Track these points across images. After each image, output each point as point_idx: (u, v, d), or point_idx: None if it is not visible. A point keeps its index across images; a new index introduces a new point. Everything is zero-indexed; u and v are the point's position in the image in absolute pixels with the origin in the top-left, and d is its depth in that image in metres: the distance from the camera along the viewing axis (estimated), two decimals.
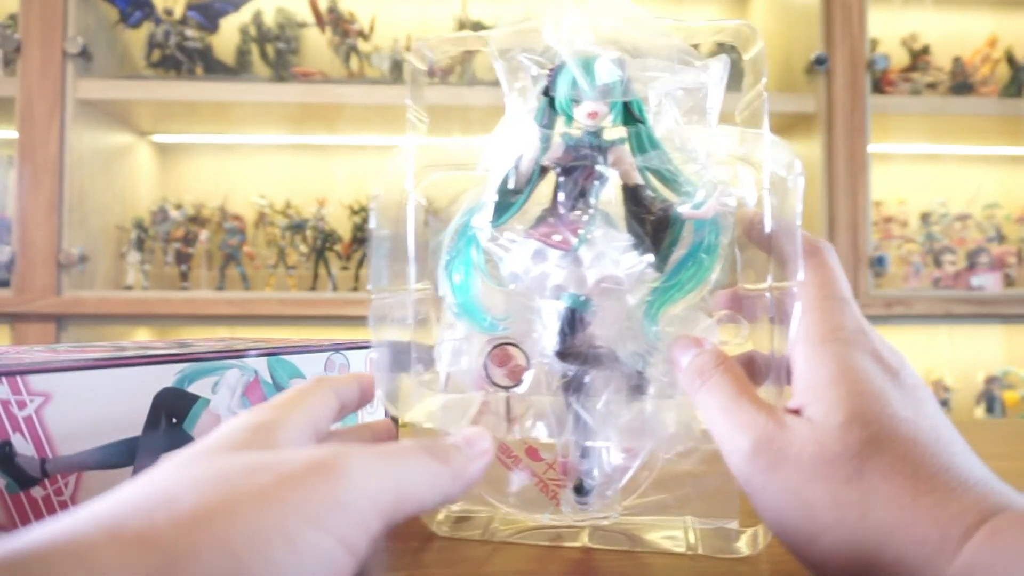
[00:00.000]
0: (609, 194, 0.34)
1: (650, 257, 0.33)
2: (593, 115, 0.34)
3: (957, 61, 1.69)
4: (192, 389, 0.38)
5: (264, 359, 0.41)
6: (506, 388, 0.35)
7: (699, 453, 0.35)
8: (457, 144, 0.38)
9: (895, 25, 1.73)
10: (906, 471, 0.26)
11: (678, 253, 0.34)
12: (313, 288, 1.58)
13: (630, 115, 0.34)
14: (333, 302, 1.47)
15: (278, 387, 0.42)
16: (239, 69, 1.60)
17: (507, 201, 0.35)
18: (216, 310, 1.42)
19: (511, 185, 0.35)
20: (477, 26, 1.62)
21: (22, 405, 0.33)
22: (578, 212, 0.33)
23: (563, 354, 0.34)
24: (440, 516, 0.40)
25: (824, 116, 1.53)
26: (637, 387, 0.34)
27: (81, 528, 0.20)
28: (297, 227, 1.61)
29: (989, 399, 1.69)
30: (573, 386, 0.34)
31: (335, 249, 1.61)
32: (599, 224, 0.33)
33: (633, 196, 0.34)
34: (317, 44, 1.64)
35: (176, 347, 0.42)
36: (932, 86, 1.65)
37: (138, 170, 1.69)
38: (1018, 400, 1.66)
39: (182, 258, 1.58)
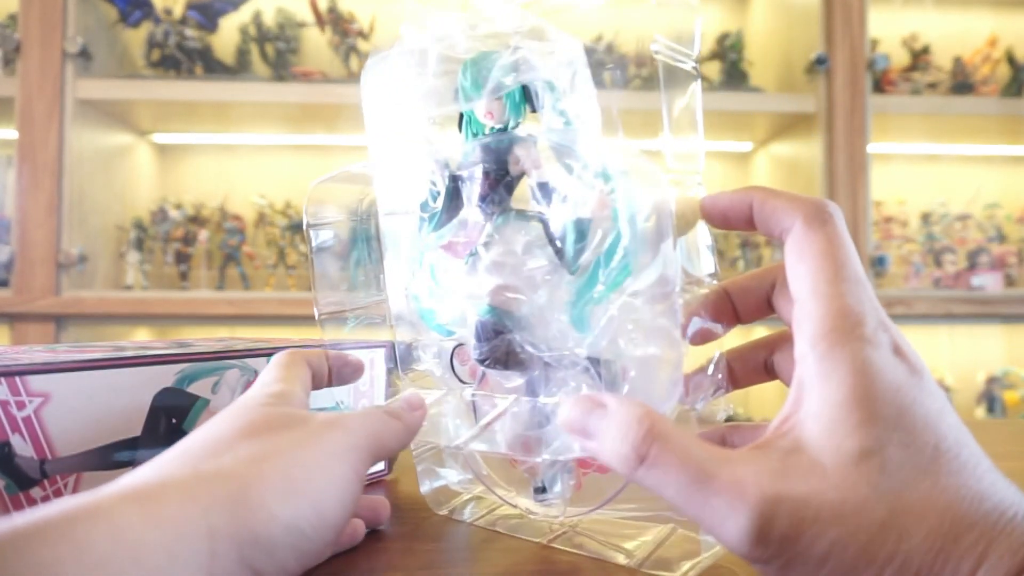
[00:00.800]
0: (514, 194, 0.34)
1: (554, 261, 0.31)
2: (489, 115, 0.33)
3: (957, 61, 1.69)
4: (192, 389, 0.38)
5: (264, 359, 0.41)
6: (469, 383, 0.38)
7: None
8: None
9: (895, 25, 1.73)
10: (940, 506, 0.22)
11: (591, 255, 0.31)
12: (312, 288, 1.58)
13: (530, 104, 0.32)
14: None
15: None
16: (239, 69, 1.60)
17: (430, 214, 0.36)
18: (216, 310, 1.41)
19: (428, 200, 0.36)
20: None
21: (21, 406, 0.33)
22: (477, 219, 0.33)
23: (483, 361, 0.34)
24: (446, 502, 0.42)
25: (824, 116, 1.53)
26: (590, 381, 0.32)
27: (167, 468, 0.27)
28: (297, 227, 1.61)
29: (990, 399, 1.69)
30: (526, 389, 0.34)
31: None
32: (507, 226, 0.33)
33: (544, 194, 0.32)
34: (317, 44, 1.64)
35: (176, 347, 0.42)
36: (932, 86, 1.65)
37: (138, 170, 1.69)
38: (1019, 400, 1.66)
39: (182, 258, 1.58)
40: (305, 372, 0.37)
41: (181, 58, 1.54)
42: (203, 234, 1.59)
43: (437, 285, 0.37)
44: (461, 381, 0.38)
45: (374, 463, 0.32)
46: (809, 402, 0.25)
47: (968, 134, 1.75)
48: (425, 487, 0.43)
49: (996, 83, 1.69)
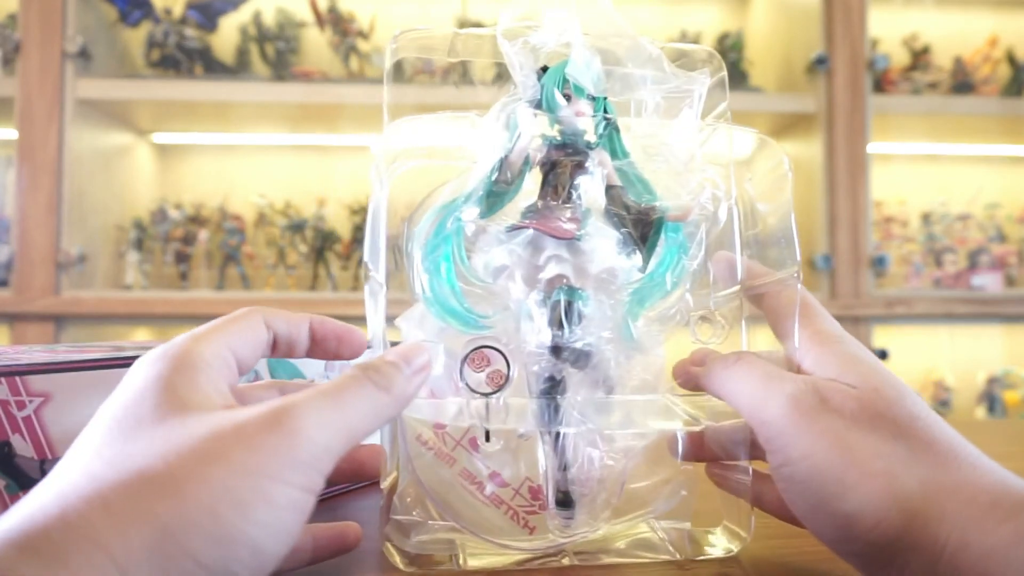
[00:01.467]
0: (593, 193, 0.34)
1: (637, 257, 0.34)
2: (581, 113, 0.34)
3: (958, 61, 1.69)
4: None
5: (264, 359, 0.41)
6: (484, 395, 0.33)
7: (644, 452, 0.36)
8: (434, 135, 0.37)
9: (896, 25, 1.73)
10: (943, 443, 0.27)
11: (657, 255, 0.34)
12: (313, 288, 1.58)
13: (606, 120, 0.35)
14: (333, 302, 1.47)
15: None
16: (239, 69, 1.60)
17: (496, 192, 0.34)
18: (216, 310, 1.40)
19: (499, 177, 0.34)
20: (477, 26, 1.62)
21: (21, 406, 0.33)
22: (570, 206, 0.33)
23: (557, 349, 0.32)
24: (399, 555, 0.35)
25: (824, 116, 1.53)
26: (607, 389, 0.34)
27: (74, 505, 0.21)
28: (297, 227, 1.61)
29: (990, 399, 1.69)
30: (558, 388, 0.33)
31: (335, 249, 1.61)
32: (594, 220, 0.33)
33: (615, 197, 0.34)
34: (317, 44, 1.64)
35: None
36: (933, 86, 1.65)
37: (137, 170, 1.68)
38: (1019, 400, 1.66)
39: (182, 258, 1.58)
40: (241, 329, 0.30)
41: (181, 58, 1.54)
42: (203, 234, 1.59)
43: (474, 272, 0.34)
44: (472, 391, 0.33)
45: (344, 451, 0.25)
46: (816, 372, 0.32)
47: (968, 134, 1.75)
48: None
49: (996, 83, 1.68)
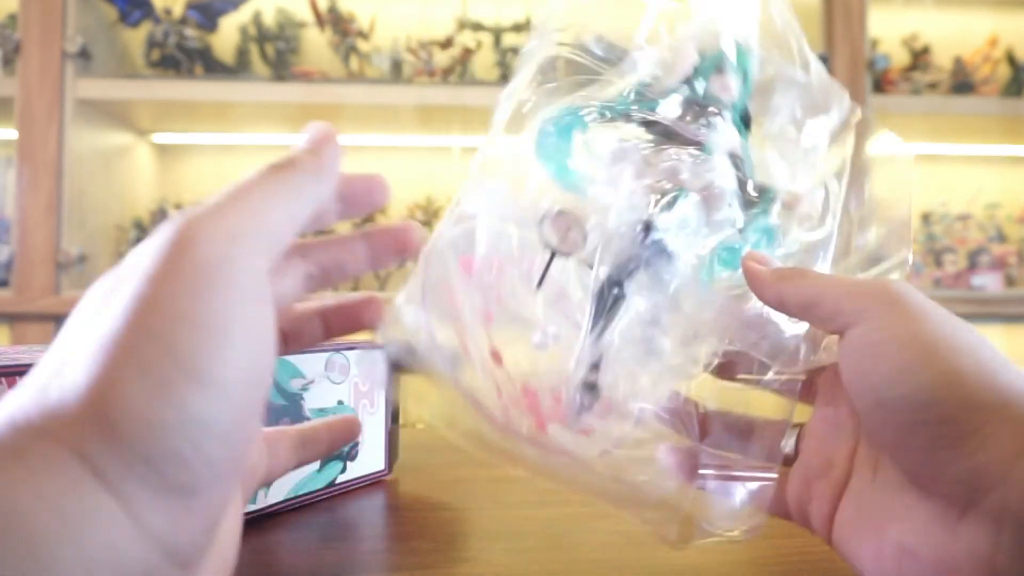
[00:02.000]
0: (723, 140, 0.34)
1: (741, 214, 0.33)
2: (728, 88, 0.34)
3: (958, 61, 1.69)
4: None
5: None
6: (556, 252, 0.31)
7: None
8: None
9: (896, 25, 1.73)
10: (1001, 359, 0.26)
11: (755, 233, 0.34)
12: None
13: (743, 119, 0.35)
14: None
15: (279, 388, 0.42)
16: (239, 69, 1.60)
17: (641, 94, 0.34)
18: None
19: (648, 89, 0.34)
20: (477, 26, 1.62)
21: None
22: (704, 131, 0.33)
23: (648, 227, 0.31)
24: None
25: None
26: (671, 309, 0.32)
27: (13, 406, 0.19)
28: None
29: None
30: (617, 289, 0.31)
31: None
32: (720, 148, 0.33)
33: (736, 163, 0.34)
34: (317, 44, 1.64)
35: None
36: (933, 86, 1.65)
37: (137, 170, 1.68)
38: None
39: None
40: (271, 204, 0.24)
41: (181, 58, 1.54)
42: None
43: (587, 145, 0.33)
44: (547, 244, 0.31)
45: (278, 253, 0.23)
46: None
47: (968, 134, 1.75)
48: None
49: (996, 83, 1.68)
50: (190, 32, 1.55)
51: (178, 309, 0.19)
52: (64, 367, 0.19)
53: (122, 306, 0.19)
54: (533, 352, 0.31)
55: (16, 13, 1.41)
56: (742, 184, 0.34)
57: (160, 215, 1.60)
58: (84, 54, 1.42)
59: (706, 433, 0.34)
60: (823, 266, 0.35)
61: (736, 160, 0.34)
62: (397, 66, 1.58)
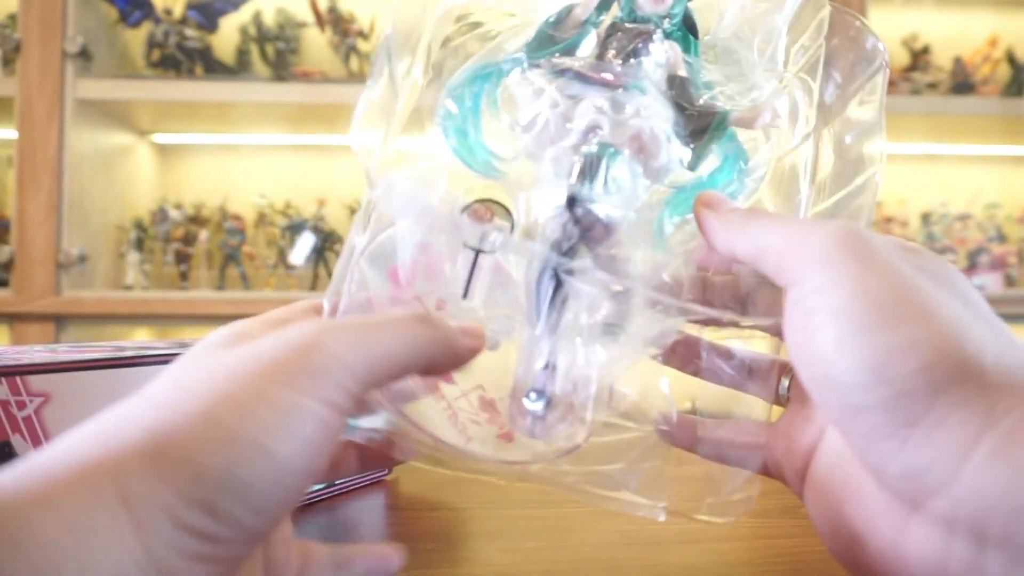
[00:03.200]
0: (654, 68, 0.30)
1: (687, 150, 0.29)
2: (659, 0, 0.31)
3: (958, 61, 1.69)
4: None
5: None
6: (477, 250, 0.29)
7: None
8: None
9: (896, 25, 1.73)
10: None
11: (711, 161, 0.30)
12: (313, 288, 1.58)
13: (687, 24, 0.32)
14: None
15: None
16: (239, 69, 1.60)
17: (550, 36, 0.30)
18: (216, 310, 1.41)
19: (558, 29, 0.31)
20: (476, 26, 1.62)
21: (21, 406, 0.33)
22: (624, 65, 0.29)
23: (573, 201, 0.27)
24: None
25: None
26: (623, 294, 0.28)
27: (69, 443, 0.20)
28: (297, 227, 1.61)
29: None
30: (555, 278, 0.28)
31: (335, 249, 1.61)
32: (648, 85, 0.29)
33: (677, 86, 0.30)
34: (317, 44, 1.64)
35: (176, 347, 0.42)
36: (933, 86, 1.65)
37: (138, 170, 1.68)
38: None
39: (182, 258, 1.58)
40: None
41: (181, 58, 1.54)
42: (203, 234, 1.59)
43: (499, 113, 0.30)
44: (467, 246, 0.29)
45: (371, 383, 0.23)
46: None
47: (968, 134, 1.75)
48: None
49: (996, 83, 1.68)
50: (190, 32, 1.55)
51: (266, 398, 0.21)
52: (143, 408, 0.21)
53: (221, 371, 0.22)
54: (483, 358, 0.28)
55: (16, 13, 1.41)
56: (684, 111, 0.30)
57: (160, 215, 1.60)
58: (84, 54, 1.42)
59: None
60: (805, 183, 0.31)
61: (677, 82, 0.30)
62: None
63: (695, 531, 0.39)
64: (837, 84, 0.32)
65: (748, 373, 0.31)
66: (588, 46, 0.31)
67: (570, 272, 0.28)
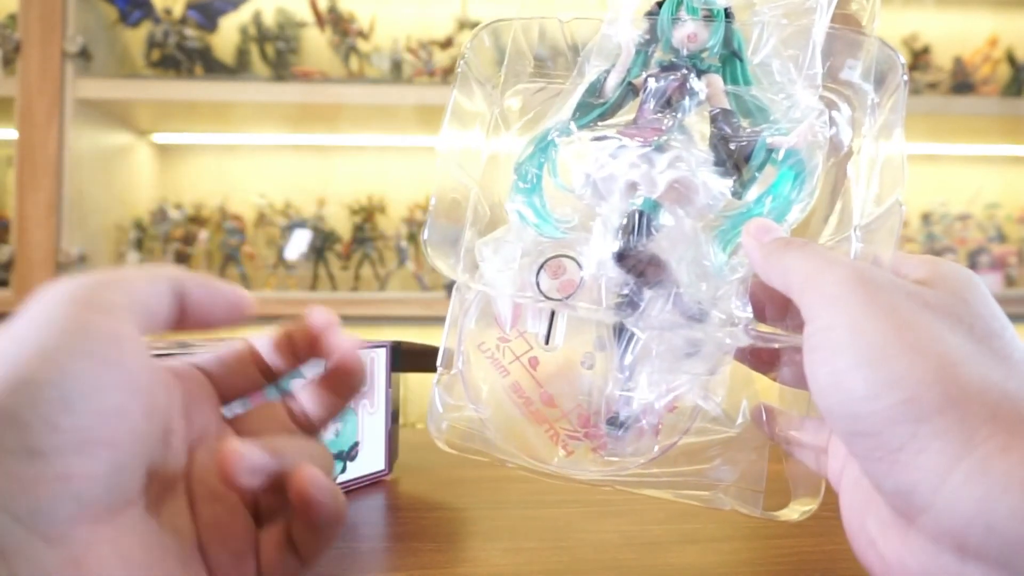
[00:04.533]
0: (696, 117, 0.33)
1: (729, 180, 0.32)
2: (693, 37, 0.33)
3: (958, 61, 1.69)
4: None
5: None
6: (556, 300, 0.34)
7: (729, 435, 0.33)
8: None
9: (895, 25, 1.73)
10: (1020, 363, 0.25)
11: (760, 188, 0.32)
12: (313, 288, 1.58)
13: (729, 50, 0.34)
14: (333, 302, 1.47)
15: (279, 388, 0.41)
16: (239, 69, 1.60)
17: (590, 103, 0.34)
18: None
19: (597, 94, 0.34)
20: (477, 26, 1.62)
21: None
22: (662, 117, 0.33)
23: (622, 256, 0.32)
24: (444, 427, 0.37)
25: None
26: (694, 317, 0.32)
27: None
28: (297, 227, 1.61)
29: None
30: (627, 305, 0.32)
31: (335, 249, 1.61)
32: (682, 134, 0.32)
33: (719, 120, 0.33)
34: (317, 44, 1.64)
35: (176, 347, 0.42)
36: (932, 86, 1.65)
37: (137, 170, 1.68)
38: None
39: (182, 258, 1.58)
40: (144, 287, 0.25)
41: (181, 58, 1.54)
42: (203, 234, 1.59)
43: (557, 180, 0.35)
44: (545, 297, 0.34)
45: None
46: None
47: (968, 134, 1.75)
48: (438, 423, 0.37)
49: (996, 83, 1.68)
50: (190, 32, 1.55)
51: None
52: None
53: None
54: (585, 379, 0.34)
55: (16, 13, 1.41)
56: (729, 142, 0.32)
57: (160, 215, 1.60)
58: (84, 54, 1.42)
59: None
60: (860, 191, 0.32)
61: (720, 117, 0.33)
62: (397, 66, 1.58)
63: (695, 531, 0.39)
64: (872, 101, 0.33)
65: None
66: (628, 103, 0.34)
67: (626, 323, 0.32)
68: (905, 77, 0.31)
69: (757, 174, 0.32)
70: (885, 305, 0.25)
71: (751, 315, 0.31)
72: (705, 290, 0.32)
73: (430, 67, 1.57)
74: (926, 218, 1.75)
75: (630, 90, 0.34)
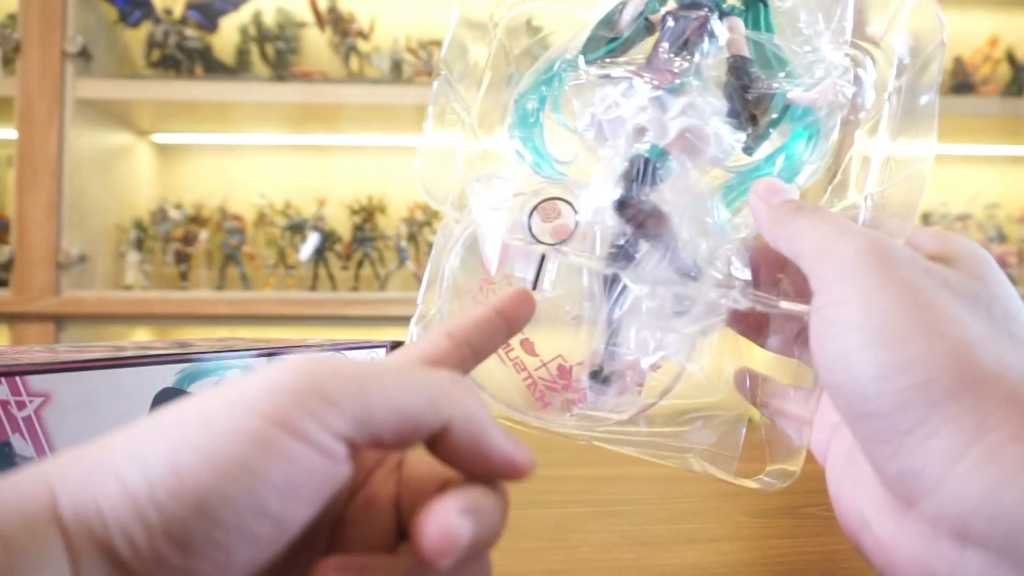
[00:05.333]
0: (713, 60, 0.31)
1: (742, 134, 0.30)
2: None
3: (958, 61, 1.69)
4: (192, 389, 0.38)
5: (264, 359, 0.41)
6: (548, 245, 0.32)
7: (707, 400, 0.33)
8: None
9: None
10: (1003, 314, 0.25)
11: (774, 143, 0.31)
12: (313, 288, 1.58)
13: None
14: (333, 302, 1.47)
15: None
16: (239, 69, 1.60)
17: (602, 37, 0.32)
18: (216, 310, 1.41)
19: (611, 28, 0.32)
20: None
21: (21, 406, 0.33)
22: (678, 59, 0.30)
23: (623, 204, 0.30)
24: None
25: None
26: (689, 275, 0.30)
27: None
28: (297, 227, 1.61)
29: None
30: (621, 257, 0.30)
31: (335, 249, 1.61)
32: (698, 79, 0.30)
33: (738, 69, 0.31)
34: (317, 44, 1.64)
35: (176, 347, 0.42)
36: None
37: (137, 170, 1.68)
38: None
39: (182, 258, 1.58)
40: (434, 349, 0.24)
41: (181, 58, 1.54)
42: (203, 234, 1.59)
43: (560, 117, 0.32)
44: (537, 240, 0.32)
45: (380, 432, 0.19)
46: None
47: (968, 134, 1.75)
48: None
49: (996, 83, 1.68)
50: (190, 32, 1.55)
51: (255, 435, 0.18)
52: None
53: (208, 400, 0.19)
54: (565, 331, 0.33)
55: (16, 13, 1.41)
56: (745, 93, 0.30)
57: (160, 215, 1.60)
58: (84, 54, 1.42)
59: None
60: (880, 146, 0.31)
61: (738, 64, 0.30)
62: (397, 66, 1.58)
63: (695, 531, 0.39)
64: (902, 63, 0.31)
65: (803, 344, 0.31)
66: (643, 40, 0.32)
67: (620, 274, 0.30)
68: (945, 38, 0.30)
69: (772, 130, 0.30)
70: (902, 282, 0.24)
71: (750, 277, 0.30)
72: (704, 248, 0.30)
73: (430, 67, 1.57)
74: (926, 218, 1.75)
75: (646, 26, 0.32)
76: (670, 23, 0.31)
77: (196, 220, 1.62)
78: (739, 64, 0.30)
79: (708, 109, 0.29)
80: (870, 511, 0.25)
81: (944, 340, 0.22)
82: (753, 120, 0.30)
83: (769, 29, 0.31)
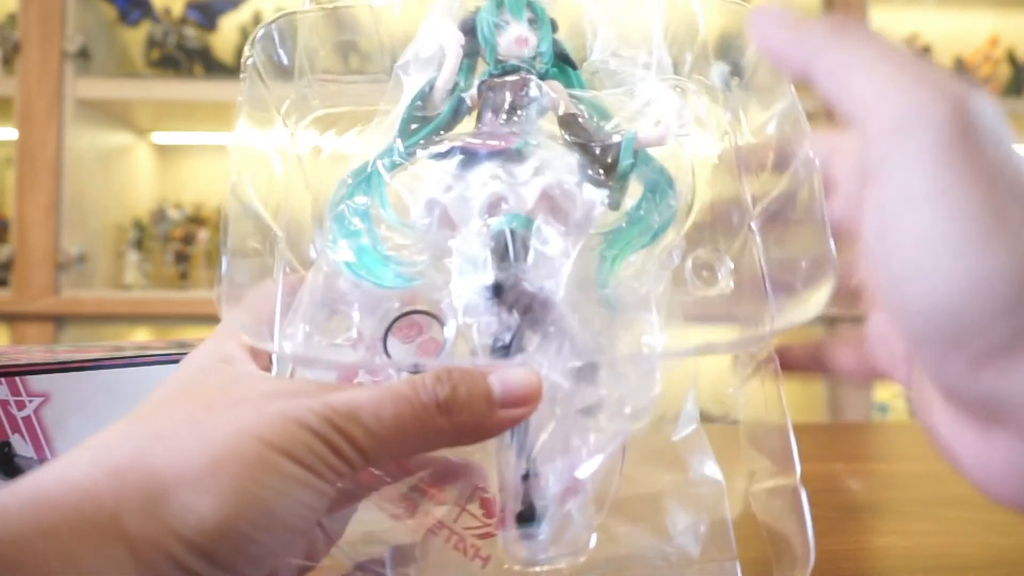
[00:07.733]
0: (543, 121, 0.28)
1: (604, 189, 0.27)
2: (521, 42, 0.28)
3: (958, 61, 1.69)
4: None
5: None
6: (414, 370, 0.25)
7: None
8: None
9: (896, 25, 1.73)
10: None
11: (634, 194, 0.28)
12: None
13: (560, 57, 0.30)
14: None
15: None
16: (239, 68, 1.60)
17: (419, 117, 0.28)
18: (215, 310, 1.41)
19: (425, 105, 0.28)
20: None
21: (21, 406, 0.33)
22: (512, 123, 0.27)
23: (499, 289, 0.24)
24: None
25: (824, 115, 1.52)
26: (590, 367, 0.25)
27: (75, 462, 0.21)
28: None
29: None
30: (513, 354, 0.25)
31: None
32: (539, 138, 0.27)
33: (571, 124, 0.28)
34: None
35: (176, 347, 0.42)
36: None
37: (137, 170, 1.68)
38: None
39: (181, 258, 1.58)
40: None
41: (180, 58, 1.54)
42: (203, 234, 1.59)
43: (389, 215, 0.28)
44: (402, 369, 0.26)
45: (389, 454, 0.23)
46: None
47: None
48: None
49: (997, 83, 1.69)
50: (190, 32, 1.55)
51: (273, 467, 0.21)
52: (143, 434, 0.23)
53: (228, 427, 0.22)
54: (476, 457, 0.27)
55: (16, 13, 1.41)
56: (587, 149, 0.27)
57: (160, 215, 1.60)
58: (84, 54, 1.42)
59: None
60: (747, 181, 0.29)
61: (570, 121, 0.28)
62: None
63: None
64: (737, 74, 0.30)
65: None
66: (464, 117, 0.28)
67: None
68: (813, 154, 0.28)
69: (625, 182, 0.27)
70: (990, 169, 0.19)
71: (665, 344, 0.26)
72: (599, 326, 0.26)
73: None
74: None
75: (462, 101, 0.29)
76: (489, 93, 0.28)
77: (196, 220, 1.62)
78: (571, 120, 0.28)
79: (562, 165, 0.26)
80: (948, 432, 0.23)
81: None
82: (608, 171, 0.27)
83: (581, 85, 0.30)
